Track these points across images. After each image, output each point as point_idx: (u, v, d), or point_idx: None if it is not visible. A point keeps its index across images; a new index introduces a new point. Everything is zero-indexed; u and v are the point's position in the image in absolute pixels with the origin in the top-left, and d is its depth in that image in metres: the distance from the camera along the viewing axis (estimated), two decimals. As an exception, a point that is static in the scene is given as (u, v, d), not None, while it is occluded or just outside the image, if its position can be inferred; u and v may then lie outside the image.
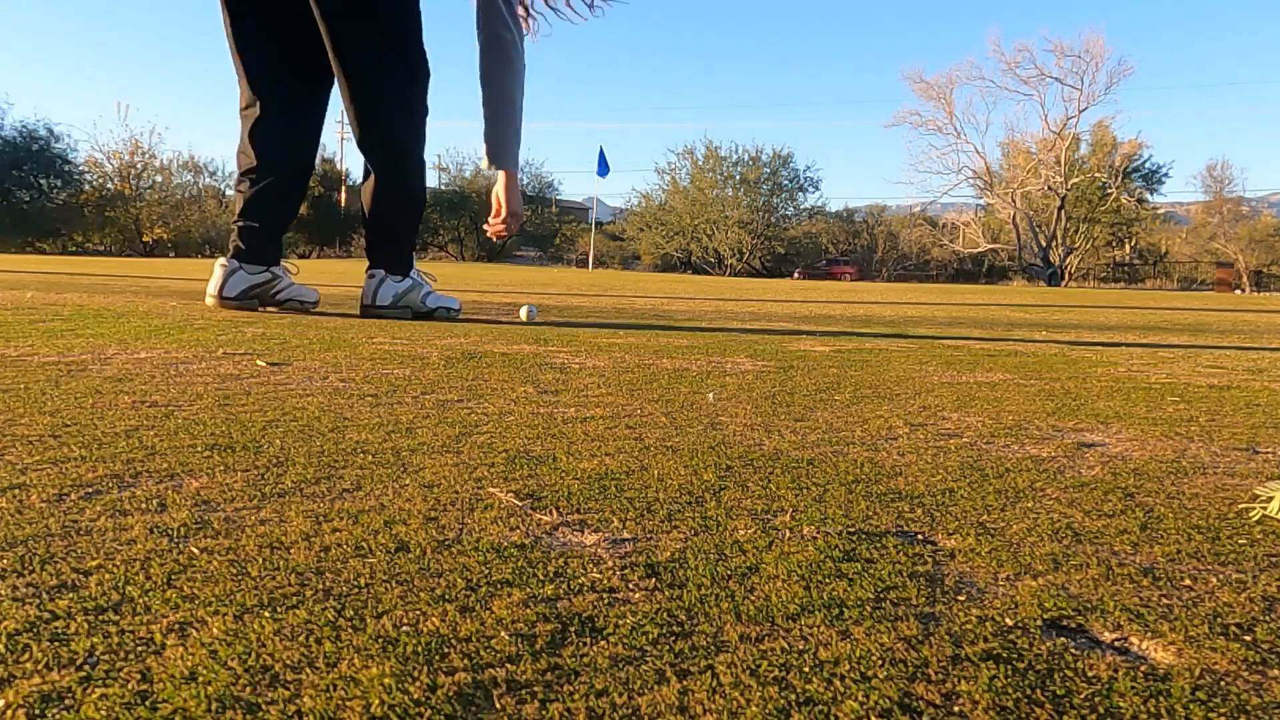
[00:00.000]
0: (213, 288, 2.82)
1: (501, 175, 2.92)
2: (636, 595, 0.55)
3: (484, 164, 2.91)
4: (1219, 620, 0.55)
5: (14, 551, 0.59)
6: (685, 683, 0.44)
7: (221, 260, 2.85)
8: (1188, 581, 0.61)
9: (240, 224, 2.81)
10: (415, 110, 2.82)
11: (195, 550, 0.60)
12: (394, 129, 2.80)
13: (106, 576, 0.55)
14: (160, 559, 0.59)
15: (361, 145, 2.84)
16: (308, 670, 0.44)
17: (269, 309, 2.86)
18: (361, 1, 2.65)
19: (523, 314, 2.94)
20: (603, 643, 0.48)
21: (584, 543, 0.65)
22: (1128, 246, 35.66)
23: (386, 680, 0.43)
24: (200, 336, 2.00)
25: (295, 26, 2.69)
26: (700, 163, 34.57)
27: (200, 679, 0.43)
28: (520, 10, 2.84)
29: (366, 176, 2.89)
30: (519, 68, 2.82)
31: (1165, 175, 34.79)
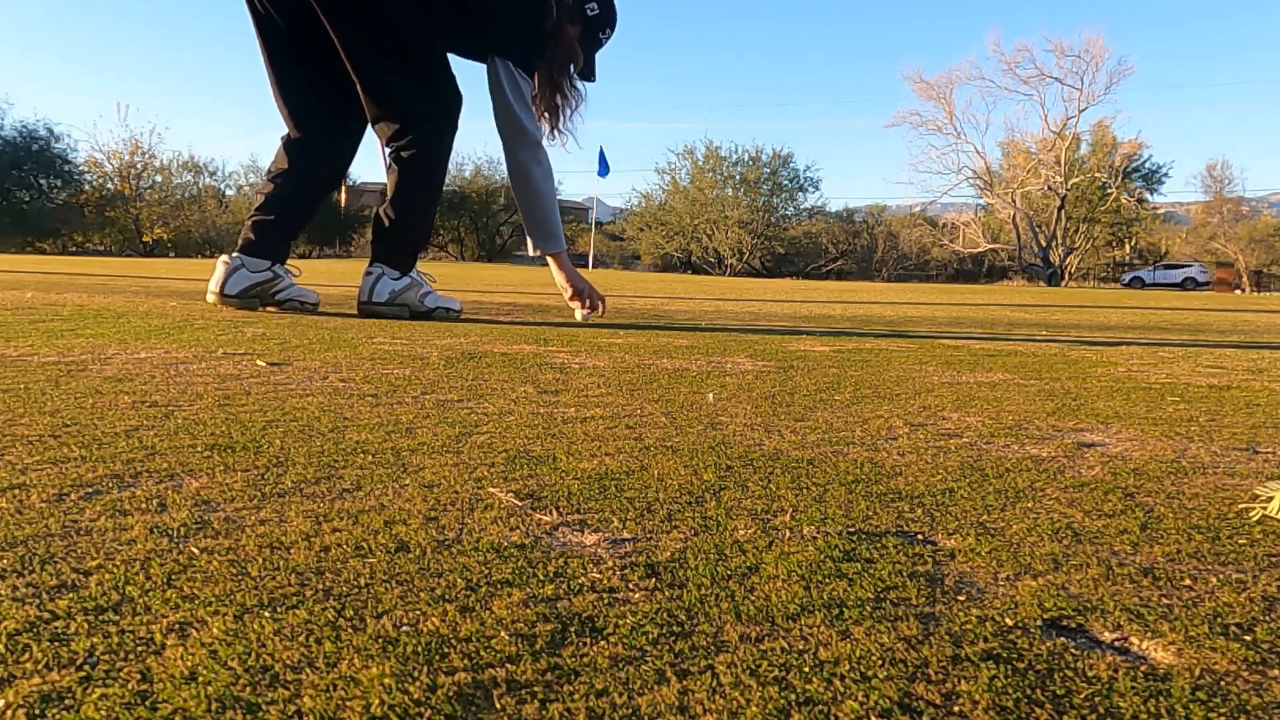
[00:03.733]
0: (214, 284, 2.82)
1: (550, 259, 2.95)
2: (636, 595, 0.55)
3: (532, 252, 2.95)
4: (1219, 620, 0.55)
5: (14, 551, 0.59)
6: (685, 683, 0.44)
7: (224, 257, 2.84)
8: (1188, 581, 0.61)
9: (255, 217, 2.83)
10: (432, 117, 2.83)
11: (195, 550, 0.60)
12: (413, 131, 2.82)
13: (106, 576, 0.55)
14: (160, 559, 0.59)
15: (388, 144, 2.88)
16: (308, 670, 0.44)
17: (269, 309, 2.86)
18: (365, 26, 2.71)
19: (578, 315, 2.96)
20: (603, 643, 0.48)
21: (584, 543, 0.65)
22: (1128, 246, 35.66)
23: (386, 680, 0.43)
24: (200, 336, 2.00)
25: (329, 68, 2.76)
26: (700, 163, 34.57)
27: (200, 679, 0.43)
28: (546, 104, 2.91)
29: (390, 169, 2.88)
30: (543, 159, 2.88)
31: (1165, 175, 34.80)
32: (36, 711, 0.40)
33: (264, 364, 1.55)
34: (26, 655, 0.45)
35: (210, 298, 2.84)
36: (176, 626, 0.48)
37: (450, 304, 2.92)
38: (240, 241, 2.84)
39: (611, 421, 1.13)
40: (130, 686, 0.42)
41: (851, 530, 0.70)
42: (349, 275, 8.26)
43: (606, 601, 0.54)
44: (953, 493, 0.83)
